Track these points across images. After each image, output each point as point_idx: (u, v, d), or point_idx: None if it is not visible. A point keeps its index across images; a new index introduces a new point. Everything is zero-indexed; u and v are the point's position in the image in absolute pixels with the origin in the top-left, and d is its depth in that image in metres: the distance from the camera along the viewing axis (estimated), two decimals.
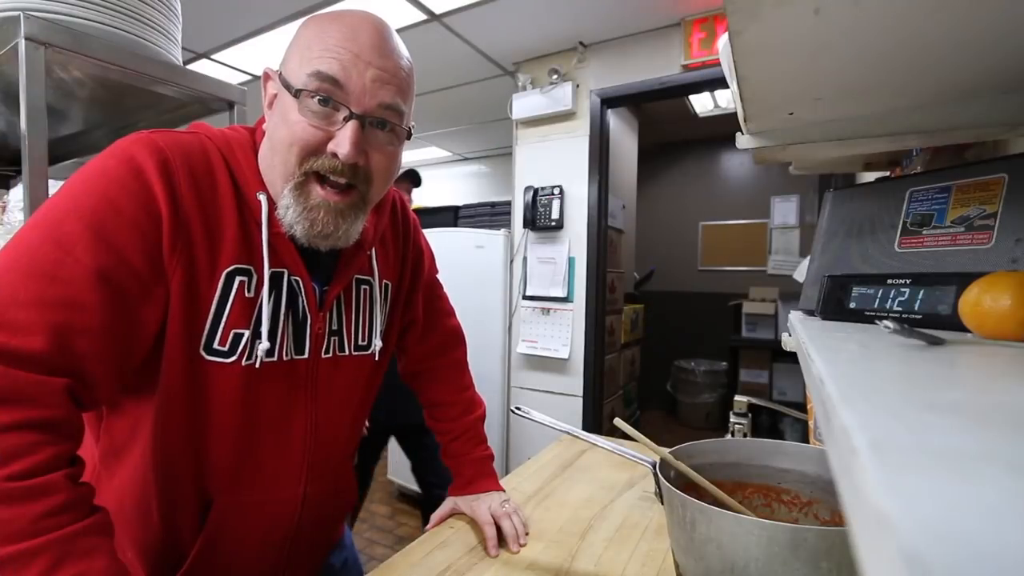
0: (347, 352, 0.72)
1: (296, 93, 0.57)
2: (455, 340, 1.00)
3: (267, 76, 0.63)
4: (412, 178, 2.08)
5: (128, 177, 0.54)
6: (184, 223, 0.56)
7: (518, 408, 0.84)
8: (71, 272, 0.50)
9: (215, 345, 0.60)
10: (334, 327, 0.70)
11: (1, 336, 0.47)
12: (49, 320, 0.48)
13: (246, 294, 0.61)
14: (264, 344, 0.61)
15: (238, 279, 0.60)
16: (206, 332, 0.59)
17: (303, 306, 0.66)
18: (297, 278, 0.65)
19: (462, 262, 2.93)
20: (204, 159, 0.59)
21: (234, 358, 0.61)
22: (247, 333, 0.61)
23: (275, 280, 0.63)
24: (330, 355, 0.70)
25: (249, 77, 3.15)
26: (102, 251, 0.51)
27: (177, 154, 0.56)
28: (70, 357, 0.50)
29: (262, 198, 0.61)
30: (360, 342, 0.74)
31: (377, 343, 0.75)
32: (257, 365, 0.62)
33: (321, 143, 0.58)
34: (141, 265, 0.54)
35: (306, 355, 0.67)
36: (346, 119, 0.58)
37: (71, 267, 0.50)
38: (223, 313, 0.60)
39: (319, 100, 0.57)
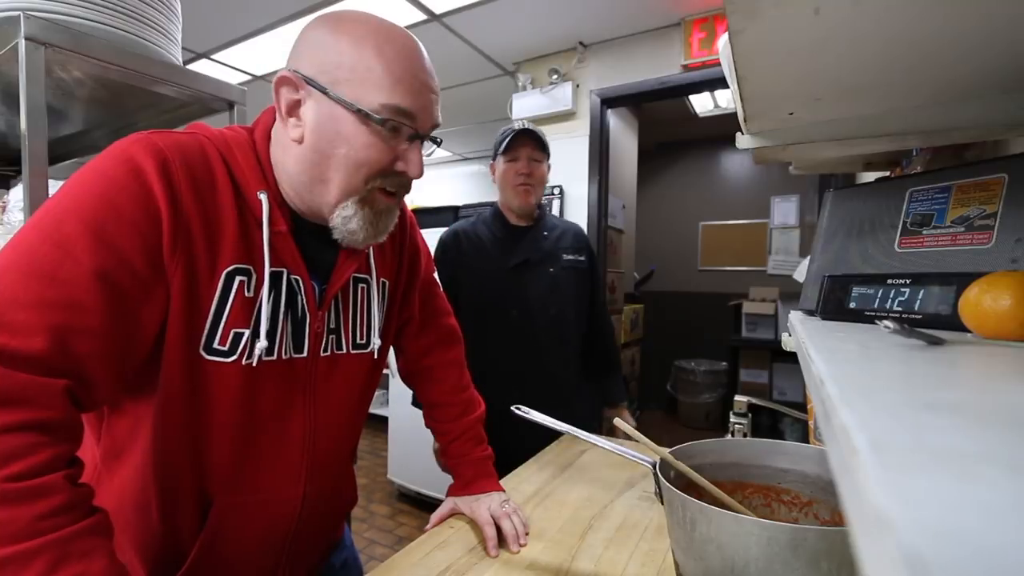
0: (345, 350, 0.73)
1: (373, 118, 0.59)
2: (452, 339, 1.00)
3: (287, 80, 0.60)
4: (540, 144, 1.48)
5: (127, 178, 0.53)
6: (184, 224, 0.56)
7: (518, 408, 0.84)
8: (71, 273, 0.50)
9: (215, 345, 0.60)
10: (332, 325, 0.71)
11: (1, 337, 0.47)
12: (49, 321, 0.48)
13: (246, 294, 0.61)
14: (262, 343, 0.61)
15: (238, 279, 0.60)
16: (206, 332, 0.59)
17: (302, 305, 0.66)
18: (297, 277, 0.65)
19: None
20: (203, 159, 0.59)
21: (234, 357, 0.61)
22: (247, 332, 0.61)
23: (275, 279, 0.63)
24: (328, 353, 0.71)
25: (249, 77, 3.15)
26: (102, 252, 0.51)
27: (176, 155, 0.56)
28: (70, 358, 0.50)
29: (263, 197, 0.62)
30: (359, 340, 0.74)
31: (376, 341, 0.76)
32: (255, 364, 0.62)
33: (391, 163, 0.62)
34: (141, 266, 0.54)
35: (305, 354, 0.68)
36: (411, 139, 0.63)
37: (71, 268, 0.50)
38: (223, 313, 0.60)
39: (391, 127, 0.60)
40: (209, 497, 0.65)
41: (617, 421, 0.74)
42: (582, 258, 1.58)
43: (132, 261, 0.53)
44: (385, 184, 0.63)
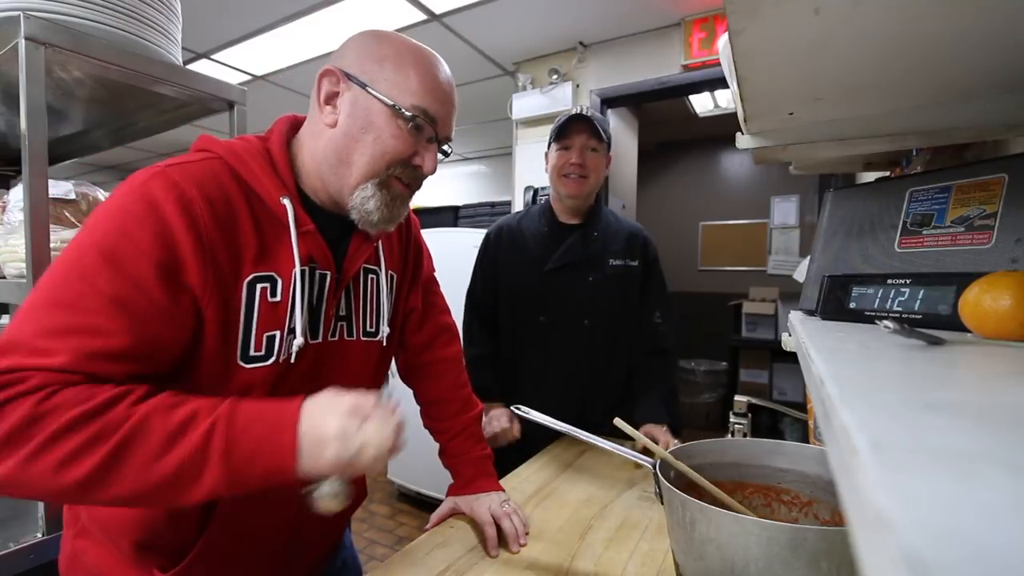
0: (355, 337, 0.76)
1: (404, 114, 0.66)
2: (450, 335, 1.02)
3: (330, 72, 0.67)
4: (596, 131, 1.29)
5: (145, 212, 0.56)
6: (210, 253, 0.59)
7: (518, 408, 0.84)
8: (92, 302, 0.53)
9: (251, 352, 0.63)
10: (342, 313, 0.74)
11: (28, 359, 0.50)
12: (71, 345, 0.51)
13: (268, 298, 0.64)
14: (299, 340, 0.66)
15: (259, 286, 0.64)
16: (240, 343, 0.62)
17: (324, 293, 0.70)
18: (326, 272, 0.70)
19: (462, 262, 2.91)
20: (217, 183, 0.62)
21: (272, 359, 0.64)
22: (279, 333, 0.65)
23: (303, 276, 0.67)
24: (336, 339, 0.73)
25: (249, 77, 3.15)
26: (120, 281, 0.54)
27: (193, 188, 0.59)
28: (91, 377, 0.52)
29: (286, 202, 0.65)
30: (368, 328, 0.78)
31: (385, 329, 0.79)
32: (292, 360, 0.66)
33: (410, 155, 0.69)
34: (158, 294, 0.56)
35: (319, 339, 0.70)
36: (429, 141, 0.70)
37: (93, 297, 0.53)
38: (252, 322, 0.63)
39: (415, 126, 0.68)
40: None
41: (617, 421, 0.74)
42: (634, 263, 1.38)
43: (149, 289, 0.55)
44: (401, 174, 0.70)
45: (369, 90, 0.66)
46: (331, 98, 0.68)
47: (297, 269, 0.65)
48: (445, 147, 0.74)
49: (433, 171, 0.72)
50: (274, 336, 0.64)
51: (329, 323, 0.72)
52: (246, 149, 0.66)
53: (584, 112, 1.30)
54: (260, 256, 0.64)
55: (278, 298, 0.64)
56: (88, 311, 0.52)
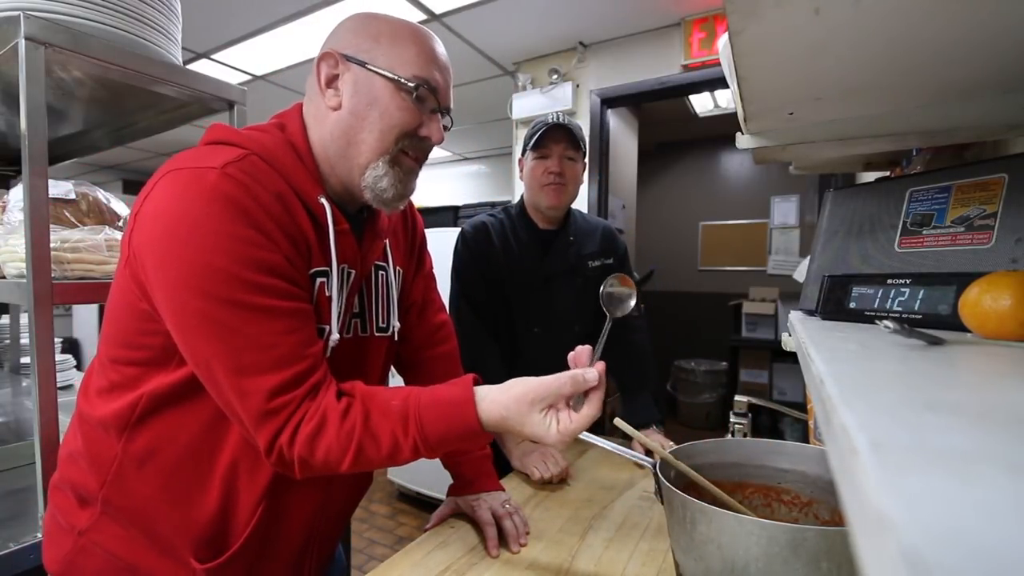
0: (369, 333, 0.77)
1: (407, 86, 0.67)
2: (447, 332, 1.03)
3: (328, 56, 0.68)
4: (575, 140, 1.29)
5: (233, 214, 0.60)
6: (292, 245, 0.63)
7: None
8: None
9: None
10: (355, 310, 0.75)
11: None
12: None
13: (325, 293, 0.67)
14: (335, 336, 0.68)
15: (318, 280, 0.67)
16: None
17: (346, 290, 0.71)
18: (353, 269, 0.71)
19: None
20: (271, 181, 0.63)
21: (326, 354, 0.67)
22: (327, 328, 0.68)
23: (339, 274, 0.69)
24: (350, 335, 0.74)
25: (249, 77, 3.15)
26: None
27: (259, 186, 0.62)
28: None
29: (324, 201, 0.67)
30: (380, 324, 0.79)
31: (395, 323, 0.81)
32: (328, 355, 0.67)
33: (416, 126, 0.69)
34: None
35: (339, 336, 0.72)
36: (433, 111, 0.71)
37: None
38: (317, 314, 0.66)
39: (419, 96, 0.68)
40: (268, 477, 0.67)
41: (618, 421, 0.74)
42: (609, 261, 1.41)
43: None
44: (409, 147, 0.70)
45: (369, 67, 0.67)
46: (332, 80, 0.68)
47: (334, 267, 0.67)
48: (447, 118, 0.74)
49: (441, 140, 0.72)
50: (323, 329, 0.67)
51: (346, 320, 0.73)
52: (276, 144, 0.66)
53: (561, 120, 1.28)
54: (318, 252, 0.67)
55: (328, 292, 0.67)
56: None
